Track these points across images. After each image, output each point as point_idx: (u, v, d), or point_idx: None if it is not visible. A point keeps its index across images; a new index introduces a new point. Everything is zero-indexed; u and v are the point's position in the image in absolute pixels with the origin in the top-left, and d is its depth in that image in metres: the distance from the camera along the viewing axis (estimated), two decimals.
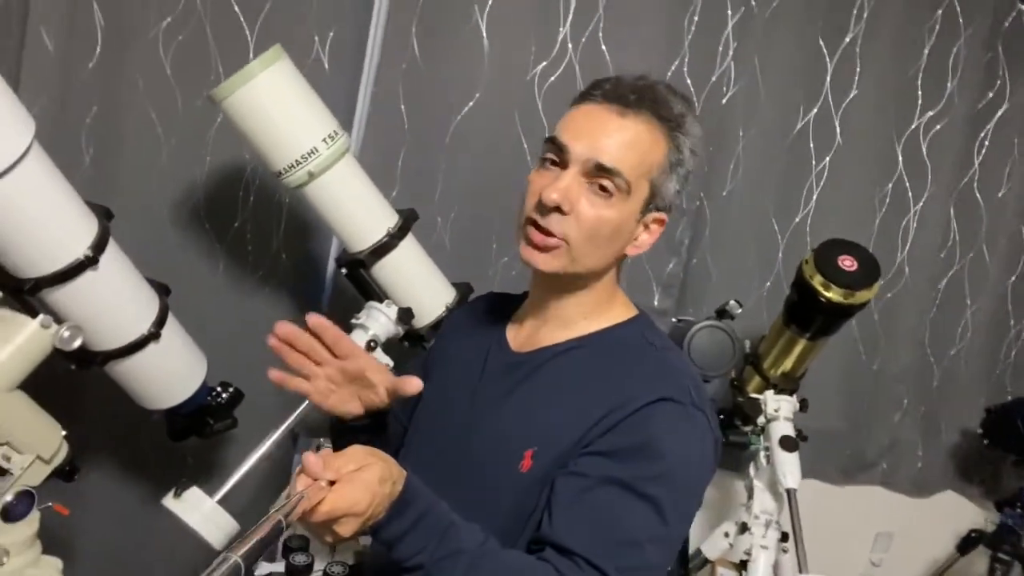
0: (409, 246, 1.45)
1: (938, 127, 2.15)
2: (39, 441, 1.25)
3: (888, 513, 2.46)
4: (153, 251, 1.73)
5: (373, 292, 1.44)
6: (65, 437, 1.31)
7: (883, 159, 2.16)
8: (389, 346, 1.48)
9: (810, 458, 2.29)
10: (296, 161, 1.31)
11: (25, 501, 1.24)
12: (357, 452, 0.81)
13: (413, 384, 1.01)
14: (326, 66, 1.76)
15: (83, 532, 1.71)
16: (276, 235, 1.82)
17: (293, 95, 1.31)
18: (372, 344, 1.41)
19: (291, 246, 1.82)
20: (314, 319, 1.02)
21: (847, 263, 1.55)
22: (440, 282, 1.49)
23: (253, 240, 1.82)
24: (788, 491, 1.64)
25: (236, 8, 1.71)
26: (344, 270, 1.44)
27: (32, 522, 1.26)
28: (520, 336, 1.07)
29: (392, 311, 1.43)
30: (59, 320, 1.21)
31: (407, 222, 1.44)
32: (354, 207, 1.39)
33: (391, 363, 1.43)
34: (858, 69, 2.08)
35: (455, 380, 1.10)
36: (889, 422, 2.35)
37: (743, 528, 1.74)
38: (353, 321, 1.46)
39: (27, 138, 1.07)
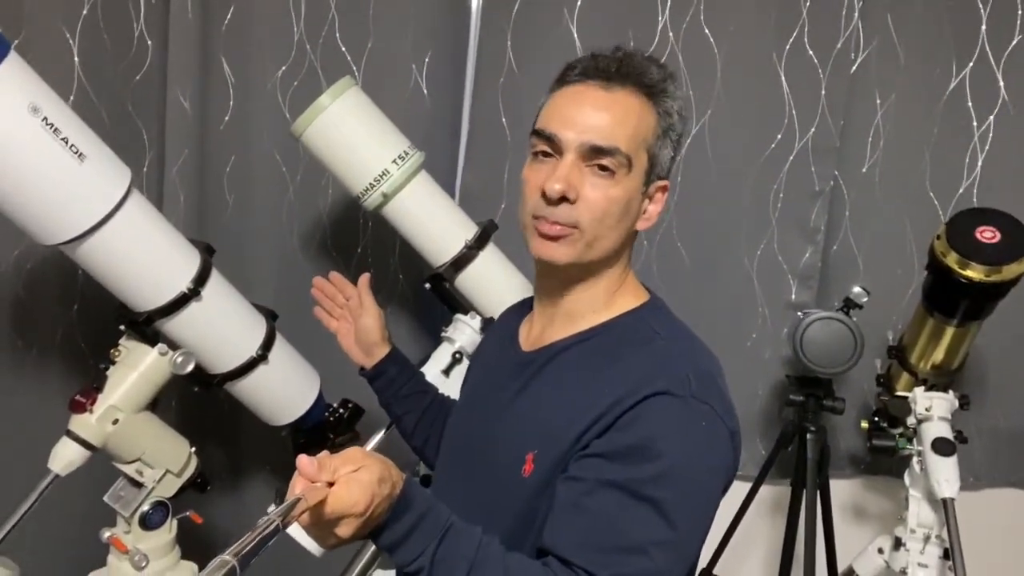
0: (489, 256, 1.45)
1: None
2: (168, 456, 1.39)
3: None
4: (288, 279, 1.89)
5: (459, 305, 1.47)
6: (196, 453, 1.46)
7: None
8: None
9: (1008, 463, 2.01)
10: (370, 184, 1.37)
11: (160, 511, 1.40)
12: (355, 453, 0.82)
13: (362, 278, 1.31)
14: (425, 91, 1.82)
15: (220, 539, 1.88)
16: (393, 257, 1.90)
17: (361, 121, 1.38)
18: (458, 356, 1.43)
19: (406, 267, 1.90)
20: (332, 275, 1.35)
21: (987, 235, 1.34)
22: (524, 290, 1.48)
23: (374, 264, 1.91)
24: (945, 501, 1.43)
25: (343, 48, 1.83)
26: (428, 285, 1.48)
27: (169, 530, 1.41)
28: (531, 334, 1.04)
29: (476, 322, 1.44)
30: (176, 348, 1.36)
31: (486, 232, 1.45)
32: (430, 223, 1.42)
33: None
34: (1020, 12, 1.79)
35: (475, 383, 1.11)
36: None
37: (898, 543, 1.55)
38: (442, 335, 1.49)
39: (123, 187, 1.21)
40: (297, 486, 0.78)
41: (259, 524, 0.72)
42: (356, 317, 1.30)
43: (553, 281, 1.00)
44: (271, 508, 1.37)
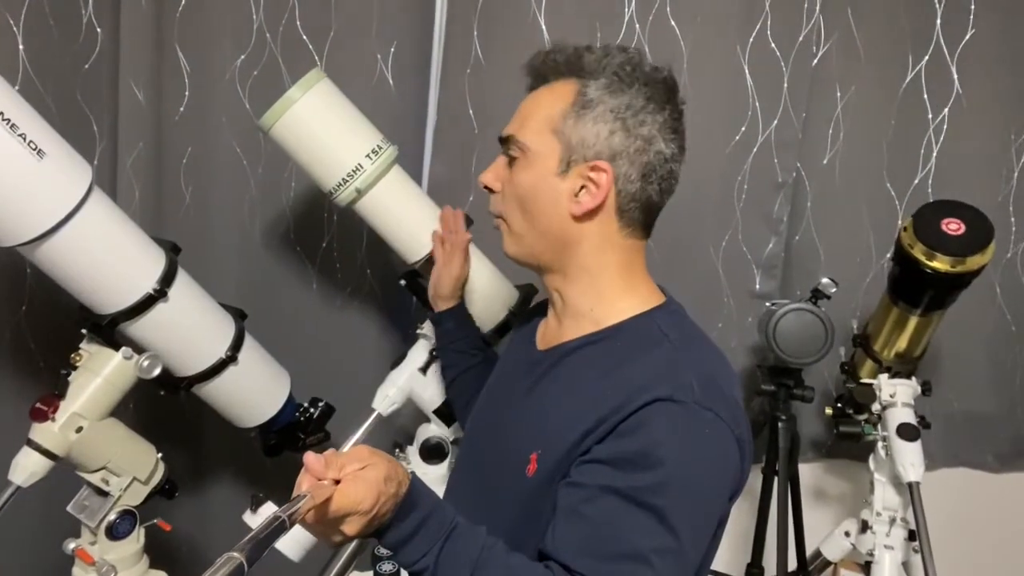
0: None
1: None
2: (135, 464, 1.34)
3: None
4: (252, 276, 1.84)
5: None
6: (162, 458, 1.41)
7: (1015, 103, 1.90)
8: None
9: (961, 444, 2.09)
10: (343, 180, 1.33)
11: (128, 520, 1.35)
12: (361, 451, 0.81)
13: (464, 236, 1.34)
14: (391, 81, 1.78)
15: (187, 545, 1.83)
16: (360, 251, 1.86)
17: (333, 115, 1.34)
18: (434, 353, 1.41)
19: (374, 260, 1.86)
20: (456, 212, 1.38)
21: (952, 227, 1.37)
22: (500, 285, 1.46)
23: (340, 258, 1.88)
24: (910, 484, 1.47)
25: (304, 36, 1.78)
26: (403, 281, 1.45)
27: (136, 539, 1.37)
28: (546, 334, 1.04)
29: None
30: (140, 351, 1.31)
31: None
32: (405, 218, 1.39)
33: None
34: (972, 7, 1.84)
35: (495, 380, 1.11)
36: None
37: (864, 526, 1.59)
38: (417, 332, 1.47)
39: (84, 185, 1.15)
40: (304, 483, 0.77)
41: (264, 521, 0.71)
42: (445, 262, 1.33)
43: (541, 277, 1.02)
44: (246, 515, 1.35)
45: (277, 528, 0.70)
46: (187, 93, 1.76)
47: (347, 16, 1.76)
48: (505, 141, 0.99)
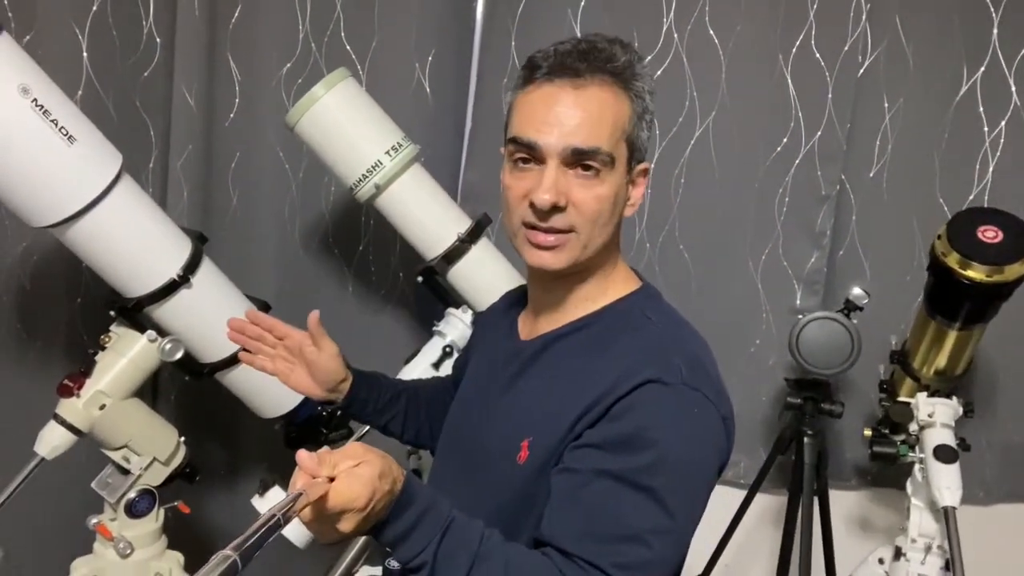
0: (482, 250, 1.45)
1: None
2: (155, 444, 1.40)
3: None
4: (290, 275, 1.90)
5: (451, 299, 1.46)
6: (188, 443, 1.46)
7: None
8: None
9: (1020, 478, 1.95)
10: (363, 175, 1.37)
11: (147, 499, 1.40)
12: (356, 448, 0.80)
13: (312, 317, 1.10)
14: (427, 89, 1.82)
15: (211, 531, 1.87)
16: (393, 256, 1.90)
17: (355, 111, 1.38)
18: (448, 350, 1.42)
19: (407, 266, 1.89)
20: (249, 313, 1.16)
21: (989, 234, 1.30)
22: (516, 284, 1.46)
23: (376, 261, 1.92)
24: (946, 509, 1.39)
25: (348, 46, 1.84)
26: (420, 278, 1.47)
27: (155, 518, 1.41)
28: (528, 323, 1.04)
29: (467, 316, 1.43)
30: (165, 335, 1.36)
31: (479, 226, 1.44)
32: (422, 215, 1.42)
33: None
34: None
35: (475, 372, 1.10)
36: None
37: (898, 553, 1.50)
38: (433, 329, 1.48)
39: (112, 171, 1.22)
40: (298, 481, 0.76)
41: (260, 519, 0.71)
42: (311, 359, 1.13)
43: (547, 278, 0.98)
44: (254, 499, 1.38)
45: (272, 527, 0.70)
46: (237, 100, 1.84)
47: (389, 26, 1.81)
48: (583, 153, 0.88)
